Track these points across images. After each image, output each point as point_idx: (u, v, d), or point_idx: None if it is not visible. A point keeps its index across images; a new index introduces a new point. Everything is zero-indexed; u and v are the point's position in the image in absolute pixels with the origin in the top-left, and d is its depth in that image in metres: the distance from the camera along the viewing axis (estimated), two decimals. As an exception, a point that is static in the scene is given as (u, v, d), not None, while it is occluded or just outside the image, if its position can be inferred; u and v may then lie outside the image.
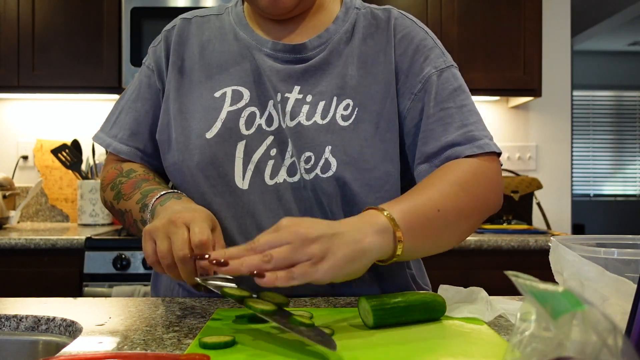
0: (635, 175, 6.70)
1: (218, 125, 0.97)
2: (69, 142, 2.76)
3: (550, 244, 0.73)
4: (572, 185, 3.08)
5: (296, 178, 0.95)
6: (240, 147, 0.96)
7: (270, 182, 0.95)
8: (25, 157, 2.91)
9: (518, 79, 2.63)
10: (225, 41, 1.03)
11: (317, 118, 0.96)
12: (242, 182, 0.96)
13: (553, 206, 2.98)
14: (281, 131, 0.96)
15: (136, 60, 2.47)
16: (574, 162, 5.71)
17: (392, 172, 0.97)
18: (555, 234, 2.50)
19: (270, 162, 0.96)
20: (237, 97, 0.98)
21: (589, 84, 6.57)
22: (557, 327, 0.42)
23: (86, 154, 2.83)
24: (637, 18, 4.79)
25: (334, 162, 0.94)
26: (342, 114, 0.96)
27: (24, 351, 0.84)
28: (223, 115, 0.97)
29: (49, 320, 0.85)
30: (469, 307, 0.85)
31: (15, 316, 0.86)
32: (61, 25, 2.57)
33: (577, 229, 5.74)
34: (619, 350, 0.39)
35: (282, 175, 0.95)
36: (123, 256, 2.16)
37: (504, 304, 0.89)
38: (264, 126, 0.97)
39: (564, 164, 3.03)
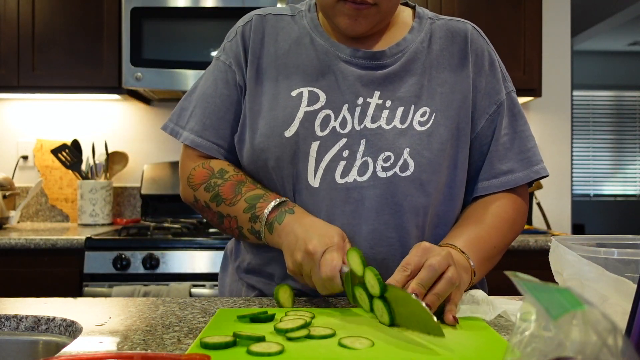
0: (635, 175, 6.70)
1: (296, 124, 1.00)
2: (69, 142, 2.76)
3: (550, 244, 0.73)
4: (572, 185, 3.08)
5: (365, 177, 0.98)
6: (314, 146, 0.99)
7: (340, 181, 0.98)
8: (25, 157, 2.91)
9: (518, 79, 2.62)
10: (302, 44, 1.06)
11: (397, 122, 1.00)
12: (313, 180, 0.99)
13: (553, 206, 2.98)
14: (354, 134, 0.99)
15: (136, 60, 2.47)
16: (574, 162, 5.71)
17: (454, 178, 1.04)
18: (555, 234, 2.50)
19: (342, 163, 0.99)
20: (313, 98, 1.02)
21: (589, 84, 6.57)
22: (557, 327, 0.42)
23: (86, 154, 2.83)
24: (637, 18, 4.79)
25: (412, 163, 0.99)
26: (419, 120, 1.01)
27: (24, 351, 0.84)
28: (301, 114, 1.00)
29: (49, 320, 0.85)
30: (471, 308, 0.85)
31: (15, 316, 0.86)
32: (61, 25, 2.57)
33: (577, 229, 5.74)
34: (619, 350, 0.39)
35: (352, 175, 0.98)
36: (123, 256, 2.16)
37: (504, 304, 0.89)
38: (338, 129, 1.00)
39: (564, 164, 3.03)
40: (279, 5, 2.28)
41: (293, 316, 0.79)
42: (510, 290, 0.68)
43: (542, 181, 2.84)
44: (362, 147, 0.99)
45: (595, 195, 6.70)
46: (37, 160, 2.90)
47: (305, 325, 0.75)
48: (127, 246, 2.19)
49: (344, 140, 0.99)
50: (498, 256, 1.04)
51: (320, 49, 1.05)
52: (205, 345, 0.69)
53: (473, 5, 2.62)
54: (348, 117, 1.00)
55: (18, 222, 2.81)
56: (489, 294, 0.92)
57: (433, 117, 1.01)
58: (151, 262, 2.15)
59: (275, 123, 1.00)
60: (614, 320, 0.40)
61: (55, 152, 2.67)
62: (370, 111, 1.00)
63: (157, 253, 2.17)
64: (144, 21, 2.47)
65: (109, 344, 0.72)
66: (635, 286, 0.58)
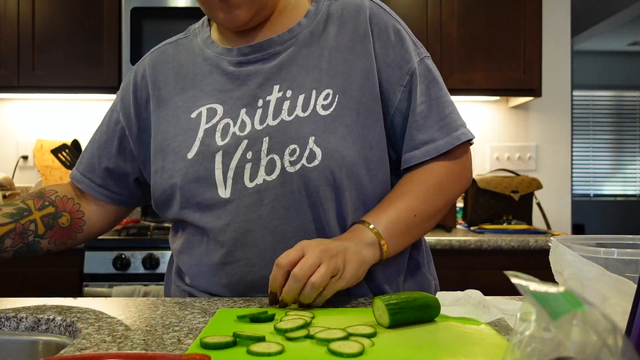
0: (635, 175, 6.70)
1: (197, 144, 0.99)
2: (69, 142, 2.76)
3: (550, 244, 0.73)
4: (572, 185, 3.08)
5: (274, 175, 0.96)
6: (218, 157, 0.98)
7: (250, 185, 0.97)
8: (25, 157, 2.91)
9: (518, 79, 2.63)
10: (196, 63, 1.06)
11: (299, 111, 0.98)
12: (224, 191, 0.97)
13: (553, 206, 2.98)
14: (254, 133, 0.98)
15: (136, 60, 2.47)
16: (574, 162, 5.71)
17: (375, 159, 1.00)
18: (555, 234, 2.50)
19: (248, 166, 0.97)
20: (211, 114, 1.01)
21: (589, 84, 6.57)
22: (557, 328, 0.42)
23: (86, 154, 2.83)
24: (637, 18, 4.79)
25: (318, 152, 0.95)
26: (322, 104, 0.98)
27: (24, 351, 0.84)
28: (200, 134, 1.00)
29: (49, 320, 0.85)
30: (465, 309, 0.85)
31: (15, 316, 0.86)
32: (61, 25, 2.57)
33: (577, 229, 5.74)
34: (619, 350, 0.39)
35: (261, 176, 0.97)
36: (123, 256, 2.16)
37: (504, 304, 0.89)
38: (237, 133, 0.98)
39: (564, 164, 3.03)
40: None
41: (293, 316, 0.79)
42: (510, 290, 0.68)
43: (542, 181, 2.85)
44: (265, 146, 0.97)
45: (595, 195, 6.70)
46: (37, 160, 2.90)
47: (305, 325, 0.75)
48: (127, 246, 2.19)
49: (245, 142, 0.97)
50: (425, 224, 1.01)
51: (213, 62, 1.04)
52: (206, 345, 0.69)
53: (473, 5, 2.62)
54: (247, 119, 0.99)
55: (18, 222, 2.81)
56: (486, 294, 0.91)
57: (337, 99, 0.98)
58: (151, 262, 2.15)
59: (179, 147, 1.01)
60: (614, 320, 0.40)
61: (55, 152, 2.67)
62: (271, 108, 0.98)
63: (157, 253, 2.17)
64: (144, 21, 2.47)
65: (109, 344, 0.72)
66: (635, 286, 0.58)
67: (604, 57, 6.57)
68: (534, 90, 2.64)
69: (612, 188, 6.70)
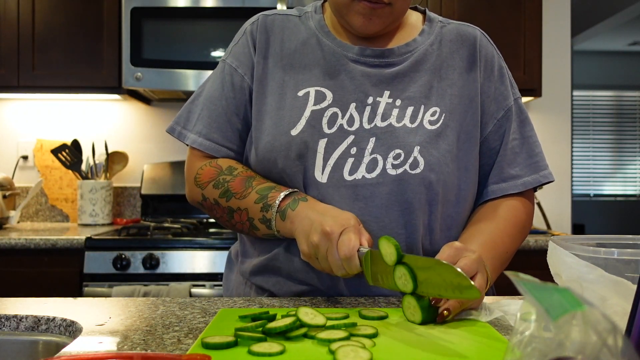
0: (635, 175, 6.70)
1: (303, 122, 1.01)
2: (69, 142, 2.76)
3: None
4: (572, 185, 3.08)
5: (374, 174, 0.98)
6: (322, 143, 1.00)
7: (348, 178, 0.99)
8: (25, 157, 2.91)
9: (518, 79, 2.61)
10: (308, 45, 1.07)
11: (407, 121, 1.01)
12: (321, 176, 0.99)
13: (553, 206, 2.98)
14: (362, 131, 1.00)
15: (136, 60, 2.47)
16: (574, 162, 5.71)
17: (464, 180, 1.04)
18: (555, 234, 2.50)
19: (350, 160, 0.99)
20: (320, 97, 1.02)
21: (589, 84, 6.57)
22: (557, 327, 0.42)
23: (86, 154, 2.83)
24: (637, 18, 4.79)
25: (422, 161, 0.99)
26: (429, 119, 1.02)
27: (24, 351, 0.84)
28: (307, 113, 1.01)
29: (49, 320, 0.85)
30: (466, 310, 0.85)
31: (15, 316, 0.86)
32: (61, 25, 2.57)
33: (577, 229, 5.74)
34: (619, 350, 0.39)
35: (360, 172, 0.99)
36: (123, 256, 2.16)
37: (504, 305, 0.89)
38: (345, 126, 1.00)
39: (564, 164, 3.03)
40: (279, 6, 2.28)
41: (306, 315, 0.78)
42: (510, 290, 0.68)
43: (542, 181, 2.84)
44: (370, 145, 0.99)
45: (595, 195, 6.70)
46: (37, 160, 2.90)
47: (294, 324, 0.74)
48: (127, 246, 2.19)
49: (352, 137, 1.00)
50: (507, 262, 1.04)
51: (327, 50, 1.05)
52: (207, 345, 0.69)
53: (473, 5, 2.62)
54: (356, 115, 1.01)
55: (18, 222, 2.81)
56: (487, 294, 0.92)
57: (443, 117, 1.02)
58: (151, 262, 2.15)
59: (282, 122, 1.01)
60: (614, 320, 0.40)
61: (55, 152, 2.67)
62: (381, 110, 1.01)
63: (157, 253, 2.17)
64: (144, 21, 2.47)
65: (109, 344, 0.72)
66: (634, 287, 0.58)
67: (604, 57, 6.57)
68: (534, 90, 2.64)
69: (612, 188, 6.70)
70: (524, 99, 2.83)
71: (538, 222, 2.86)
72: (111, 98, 2.82)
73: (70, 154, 2.70)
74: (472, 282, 0.73)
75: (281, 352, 0.67)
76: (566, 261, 0.69)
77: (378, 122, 1.00)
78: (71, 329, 0.83)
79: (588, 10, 4.82)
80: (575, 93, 6.39)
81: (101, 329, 0.78)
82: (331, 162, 0.99)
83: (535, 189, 1.11)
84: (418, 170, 0.98)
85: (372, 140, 1.00)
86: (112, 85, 2.56)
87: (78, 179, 2.73)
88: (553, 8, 2.98)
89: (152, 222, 2.60)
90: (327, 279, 0.99)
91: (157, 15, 2.47)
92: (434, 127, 1.01)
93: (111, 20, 2.56)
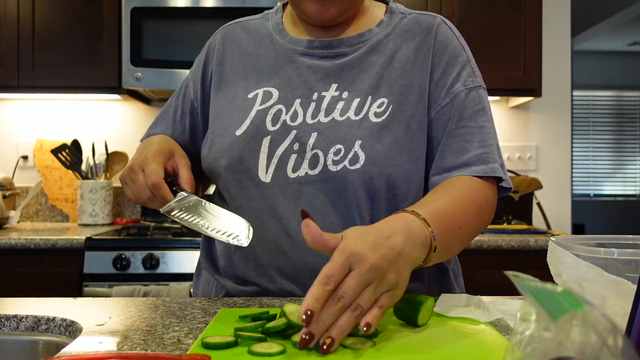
0: (635, 175, 6.70)
1: (247, 123, 1.01)
2: (69, 142, 2.76)
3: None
4: (572, 185, 3.08)
5: (317, 171, 0.97)
6: (266, 142, 0.99)
7: (292, 176, 0.98)
8: (25, 157, 2.91)
9: (518, 79, 2.63)
10: (263, 45, 1.08)
11: (351, 114, 0.99)
12: (265, 175, 0.99)
13: (553, 206, 2.98)
14: (304, 126, 0.99)
15: (136, 60, 2.47)
16: (574, 162, 5.71)
17: (416, 173, 0.99)
18: (555, 234, 2.50)
19: (293, 156, 0.98)
20: (267, 96, 1.03)
21: (589, 84, 6.57)
22: (557, 327, 0.42)
23: (86, 154, 2.83)
24: (637, 18, 4.79)
25: (362, 156, 0.96)
26: (375, 111, 0.99)
27: (24, 351, 0.84)
28: (252, 113, 1.01)
29: (49, 320, 0.85)
30: (465, 309, 0.85)
31: (15, 316, 0.86)
32: (61, 25, 2.57)
33: (577, 229, 5.74)
34: (619, 350, 0.39)
35: (304, 169, 0.98)
36: (123, 256, 2.16)
37: (504, 305, 0.89)
38: (288, 122, 1.00)
39: (564, 164, 3.03)
40: (278, 4, 2.28)
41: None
42: (510, 290, 0.68)
43: (542, 181, 2.84)
44: (312, 140, 0.98)
45: (595, 195, 6.70)
46: (37, 160, 2.90)
47: (288, 323, 0.73)
48: (127, 246, 2.19)
49: (294, 132, 0.99)
50: (462, 242, 0.92)
51: (279, 48, 1.06)
52: (207, 345, 0.69)
53: (473, 5, 2.62)
54: (300, 110, 1.00)
55: (18, 222, 2.81)
56: (486, 294, 0.91)
57: (390, 109, 0.98)
58: (151, 262, 2.15)
59: (230, 124, 1.02)
60: (614, 320, 0.40)
61: (55, 152, 2.67)
62: (324, 105, 1.00)
63: (157, 253, 2.17)
64: (144, 21, 2.47)
65: (109, 344, 0.72)
66: (634, 287, 0.58)
67: (604, 57, 6.57)
68: (534, 90, 2.64)
69: (612, 188, 6.70)
70: (524, 99, 2.83)
71: (538, 222, 2.86)
72: (111, 98, 2.82)
73: (70, 154, 2.70)
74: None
75: (281, 352, 0.67)
76: (566, 261, 0.69)
77: (321, 117, 0.99)
78: (71, 329, 0.83)
79: (588, 10, 4.82)
80: (575, 93, 6.39)
81: (101, 329, 0.78)
82: (275, 159, 0.98)
83: (500, 192, 1.00)
84: (358, 166, 0.95)
85: (314, 135, 0.98)
86: (112, 85, 2.57)
87: (78, 179, 2.73)
88: (553, 8, 2.98)
89: (152, 222, 2.60)
90: (279, 282, 1.00)
91: (157, 15, 2.47)
92: (379, 120, 0.97)
93: (111, 20, 2.56)
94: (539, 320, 0.45)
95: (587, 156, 6.65)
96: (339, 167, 0.96)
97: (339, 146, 0.97)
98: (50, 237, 2.22)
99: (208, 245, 1.12)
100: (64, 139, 2.85)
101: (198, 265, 1.18)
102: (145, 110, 2.95)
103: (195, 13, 2.47)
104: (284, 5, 1.13)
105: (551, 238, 0.75)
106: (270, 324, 0.73)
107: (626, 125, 6.68)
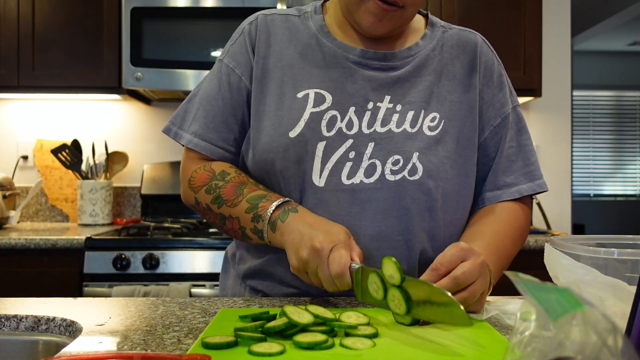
0: (635, 175, 6.70)
1: (302, 124, 1.00)
2: (69, 142, 2.76)
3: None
4: (572, 185, 3.08)
5: (373, 179, 0.98)
6: (320, 146, 0.99)
7: (346, 182, 0.98)
8: (25, 157, 2.91)
9: (518, 79, 2.62)
10: (308, 46, 1.05)
11: (407, 126, 1.01)
12: (319, 179, 0.99)
13: (553, 206, 2.98)
14: (361, 136, 0.99)
15: (136, 60, 2.47)
16: (574, 162, 5.71)
17: (465, 187, 1.04)
18: (555, 234, 2.49)
19: (348, 164, 0.99)
20: (319, 99, 1.01)
21: (589, 84, 6.57)
22: (557, 327, 0.42)
23: (86, 154, 2.83)
24: (637, 18, 4.78)
25: (420, 168, 0.99)
26: (429, 125, 1.01)
27: (24, 351, 0.84)
28: (306, 115, 1.00)
29: (49, 320, 0.85)
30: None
31: (15, 316, 0.86)
32: (61, 25, 2.57)
33: (577, 229, 5.74)
34: (619, 350, 0.39)
35: (359, 177, 0.98)
36: (123, 256, 2.16)
37: (504, 304, 0.89)
38: (344, 130, 1.00)
39: (564, 164, 3.03)
40: (279, 6, 2.28)
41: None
42: (510, 290, 0.68)
43: (542, 181, 2.84)
44: (369, 150, 0.99)
45: (595, 195, 6.70)
46: (37, 160, 2.90)
47: (288, 323, 0.74)
48: (127, 246, 2.19)
49: (351, 141, 0.99)
50: (508, 265, 1.04)
51: (328, 51, 1.04)
52: (207, 345, 0.69)
53: (473, 5, 2.62)
54: (355, 119, 1.00)
55: (18, 222, 2.81)
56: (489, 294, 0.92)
57: (442, 124, 1.02)
58: (151, 262, 2.15)
59: (281, 124, 1.00)
60: (613, 320, 0.40)
61: (55, 152, 2.67)
62: (381, 115, 1.01)
63: (157, 253, 2.17)
64: (144, 21, 2.47)
65: (109, 344, 0.72)
66: (631, 288, 0.58)
67: (604, 57, 6.57)
68: (534, 90, 2.63)
69: (612, 188, 6.70)
70: (524, 99, 2.83)
71: (538, 222, 2.85)
72: (111, 98, 2.82)
73: (70, 154, 2.70)
74: (463, 310, 0.72)
75: (281, 352, 0.67)
76: (562, 263, 0.69)
77: (378, 127, 1.00)
78: (71, 329, 0.83)
79: (588, 10, 4.82)
80: (575, 93, 6.39)
81: (101, 329, 0.78)
82: (329, 165, 0.98)
83: (531, 198, 1.12)
84: (417, 177, 0.98)
85: (371, 145, 0.99)
86: (112, 85, 2.56)
87: (78, 179, 2.73)
88: (553, 8, 2.98)
89: (152, 222, 2.60)
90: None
91: (157, 15, 2.47)
92: (433, 133, 1.01)
93: (111, 20, 2.56)
94: (539, 320, 0.45)
95: (587, 156, 6.64)
96: (398, 177, 0.98)
97: (397, 157, 0.99)
98: (50, 237, 2.22)
99: (242, 245, 1.11)
100: (64, 139, 2.85)
101: (225, 265, 1.18)
102: (145, 110, 2.95)
103: (195, 13, 2.47)
104: (323, 5, 1.11)
105: (549, 239, 0.75)
106: (270, 324, 0.73)
107: (626, 125, 6.68)
